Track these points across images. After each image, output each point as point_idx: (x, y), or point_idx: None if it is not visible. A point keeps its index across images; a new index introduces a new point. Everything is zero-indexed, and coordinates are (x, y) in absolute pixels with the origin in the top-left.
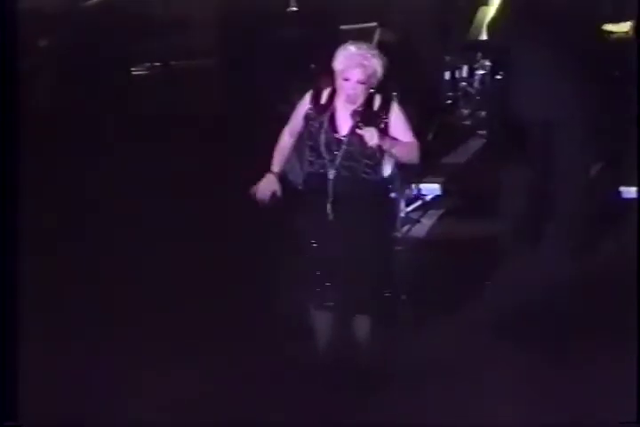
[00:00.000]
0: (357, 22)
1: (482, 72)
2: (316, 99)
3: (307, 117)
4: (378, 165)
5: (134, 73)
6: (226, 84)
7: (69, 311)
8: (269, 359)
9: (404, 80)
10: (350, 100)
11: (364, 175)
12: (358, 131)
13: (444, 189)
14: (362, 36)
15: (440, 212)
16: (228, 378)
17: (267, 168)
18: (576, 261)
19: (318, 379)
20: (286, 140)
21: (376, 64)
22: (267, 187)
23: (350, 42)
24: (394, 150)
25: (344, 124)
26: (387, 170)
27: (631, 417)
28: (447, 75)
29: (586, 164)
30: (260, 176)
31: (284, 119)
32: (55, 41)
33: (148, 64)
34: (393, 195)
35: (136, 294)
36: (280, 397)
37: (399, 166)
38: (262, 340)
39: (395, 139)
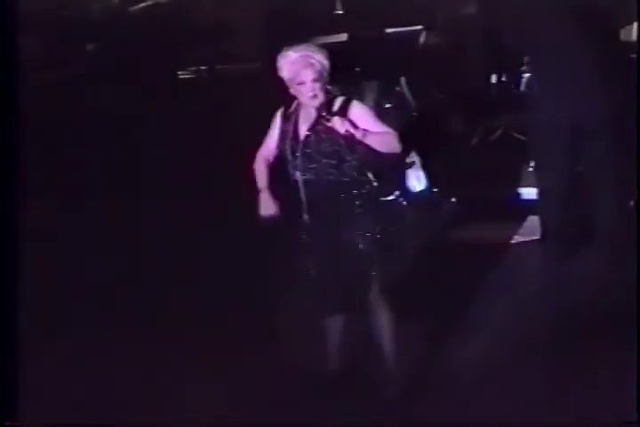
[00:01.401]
0: (403, 25)
1: (528, 75)
2: (285, 113)
3: (281, 133)
4: (341, 164)
5: (181, 77)
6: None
7: (69, 311)
8: (272, 365)
9: (448, 83)
10: (313, 100)
11: (328, 177)
12: (327, 123)
13: (485, 194)
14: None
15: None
16: (228, 379)
17: None
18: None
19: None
20: (259, 163)
21: (321, 58)
22: (267, 206)
23: (286, 48)
24: (368, 140)
25: (304, 128)
26: (354, 169)
27: (632, 417)
28: (493, 78)
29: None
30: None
31: None
32: (101, 46)
33: (194, 68)
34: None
35: (136, 294)
36: (284, 403)
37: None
38: (263, 345)
39: (365, 130)
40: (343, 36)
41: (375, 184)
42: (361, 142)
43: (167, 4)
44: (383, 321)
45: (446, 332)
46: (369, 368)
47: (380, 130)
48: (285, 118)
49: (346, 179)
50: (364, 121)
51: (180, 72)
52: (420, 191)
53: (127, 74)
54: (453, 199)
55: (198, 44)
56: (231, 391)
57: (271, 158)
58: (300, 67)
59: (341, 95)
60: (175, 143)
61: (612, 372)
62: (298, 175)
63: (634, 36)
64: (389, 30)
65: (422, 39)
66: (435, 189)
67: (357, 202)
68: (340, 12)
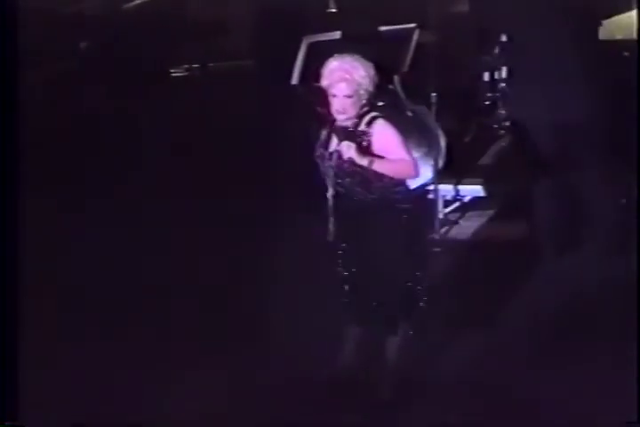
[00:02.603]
0: (396, 23)
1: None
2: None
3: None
4: (364, 183)
5: (173, 75)
6: (263, 87)
7: (69, 311)
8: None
9: (442, 81)
10: (340, 115)
11: (356, 195)
12: (337, 146)
13: (481, 191)
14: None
15: (476, 214)
16: (228, 379)
17: (304, 171)
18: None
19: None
20: None
21: (360, 76)
22: None
23: (334, 56)
24: (377, 167)
25: (334, 142)
26: (380, 189)
27: (632, 417)
28: (486, 76)
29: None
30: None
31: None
32: (94, 43)
33: (187, 66)
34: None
35: (137, 294)
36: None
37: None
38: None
39: (380, 156)
40: (337, 34)
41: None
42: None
43: (160, 2)
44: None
45: (445, 332)
46: (371, 369)
47: (397, 156)
48: (329, 124)
49: (373, 196)
50: (382, 144)
51: (172, 70)
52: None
53: (119, 72)
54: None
55: (190, 42)
56: (231, 391)
57: None
58: (336, 79)
59: (373, 112)
60: (167, 141)
61: (613, 372)
62: (329, 188)
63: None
64: (383, 28)
65: (416, 37)
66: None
67: (387, 217)
68: (334, 9)
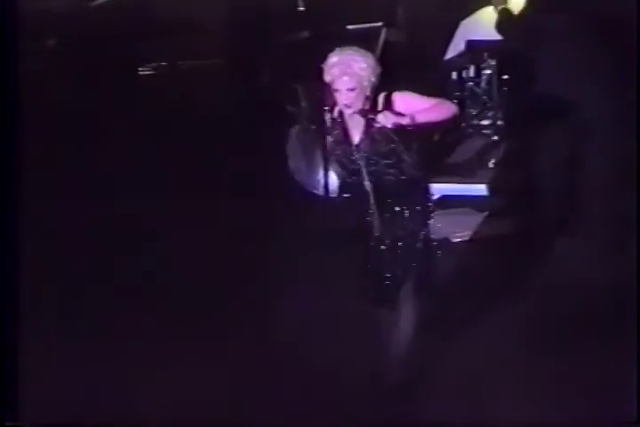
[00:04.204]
0: (364, 22)
1: (488, 72)
2: (332, 119)
3: (333, 140)
4: (399, 163)
5: (141, 73)
6: (233, 85)
7: (69, 311)
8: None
9: (410, 80)
10: (348, 109)
11: (388, 177)
12: (375, 124)
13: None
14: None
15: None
16: (228, 379)
17: (272, 169)
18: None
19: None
20: None
21: (360, 68)
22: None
23: (335, 50)
24: (420, 117)
25: (356, 132)
26: (412, 167)
27: (632, 417)
28: (454, 75)
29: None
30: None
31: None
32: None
33: (155, 64)
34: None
35: (137, 294)
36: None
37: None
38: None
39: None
40: (305, 33)
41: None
42: (415, 128)
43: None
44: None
45: (444, 332)
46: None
47: (428, 104)
48: (333, 124)
49: (403, 177)
50: (410, 106)
51: (140, 68)
52: None
53: (87, 70)
54: None
55: (159, 41)
56: (231, 391)
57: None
58: (337, 73)
59: (383, 91)
60: (135, 140)
61: (612, 372)
62: (360, 181)
63: None
64: (350, 27)
65: (383, 36)
66: None
67: (414, 199)
68: (302, 8)
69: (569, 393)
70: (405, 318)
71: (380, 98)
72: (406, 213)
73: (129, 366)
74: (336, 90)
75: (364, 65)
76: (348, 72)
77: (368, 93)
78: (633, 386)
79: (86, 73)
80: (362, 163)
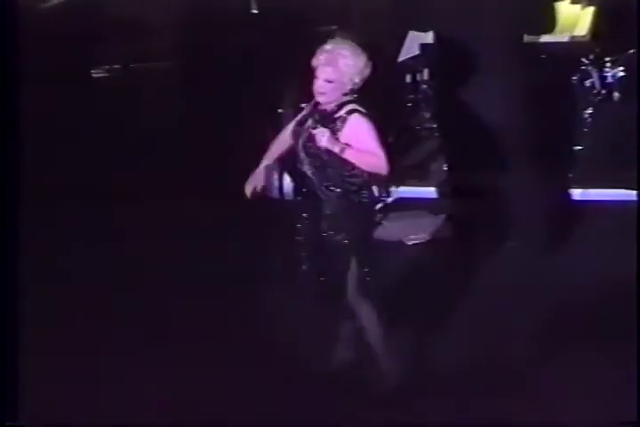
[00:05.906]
0: (317, 25)
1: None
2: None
3: (296, 124)
4: (324, 169)
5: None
6: (187, 88)
7: (69, 311)
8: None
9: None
10: (319, 96)
11: (314, 177)
12: (312, 131)
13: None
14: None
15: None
16: (228, 378)
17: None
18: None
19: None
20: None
21: (345, 64)
22: (251, 181)
23: (335, 39)
24: (348, 155)
25: (310, 124)
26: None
27: (631, 417)
28: (408, 77)
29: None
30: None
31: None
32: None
33: (108, 66)
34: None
35: (136, 294)
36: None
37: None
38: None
39: (347, 146)
40: (258, 35)
41: (355, 189)
42: (339, 160)
43: (80, 1)
44: (367, 322)
45: (443, 332)
46: (362, 367)
47: (369, 148)
48: (307, 110)
49: (328, 184)
50: (355, 136)
51: (93, 71)
52: None
53: (39, 73)
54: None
55: (112, 43)
56: (231, 391)
57: (285, 146)
58: (323, 62)
59: (353, 103)
60: (88, 143)
61: (612, 372)
62: (303, 164)
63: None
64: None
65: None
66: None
67: (339, 202)
68: (255, 11)
69: (569, 393)
70: (365, 319)
71: (346, 108)
72: (349, 215)
73: (129, 367)
74: (316, 77)
75: (350, 62)
76: (332, 64)
77: (347, 90)
78: (632, 386)
79: (38, 76)
80: (305, 149)
